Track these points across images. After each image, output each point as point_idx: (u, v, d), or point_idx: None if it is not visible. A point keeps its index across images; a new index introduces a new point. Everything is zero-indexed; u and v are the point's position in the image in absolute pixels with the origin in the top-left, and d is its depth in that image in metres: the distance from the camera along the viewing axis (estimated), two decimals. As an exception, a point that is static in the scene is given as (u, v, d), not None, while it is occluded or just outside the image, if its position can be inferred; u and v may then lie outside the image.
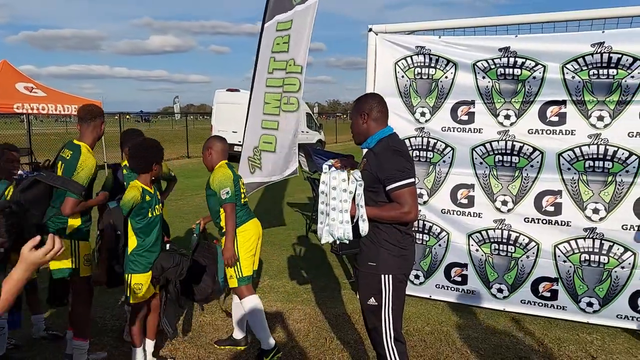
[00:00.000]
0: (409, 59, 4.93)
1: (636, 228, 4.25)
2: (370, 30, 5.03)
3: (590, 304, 4.46)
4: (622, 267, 4.31)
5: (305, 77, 5.16)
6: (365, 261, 2.81)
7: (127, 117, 55.13)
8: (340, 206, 2.64)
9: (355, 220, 2.68)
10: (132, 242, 3.41)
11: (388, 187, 2.69)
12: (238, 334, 4.09)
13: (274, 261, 6.48)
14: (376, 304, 2.79)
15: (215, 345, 4.10)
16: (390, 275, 2.76)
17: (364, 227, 2.69)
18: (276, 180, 5.44)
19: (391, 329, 2.80)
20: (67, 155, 3.54)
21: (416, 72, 4.92)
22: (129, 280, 3.42)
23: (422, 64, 4.88)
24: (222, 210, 3.77)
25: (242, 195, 3.94)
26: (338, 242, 2.70)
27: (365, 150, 3.02)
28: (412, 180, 2.71)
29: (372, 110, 2.90)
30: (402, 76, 4.98)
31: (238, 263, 3.78)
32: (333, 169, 2.72)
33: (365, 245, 2.79)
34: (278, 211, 9.76)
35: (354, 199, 2.67)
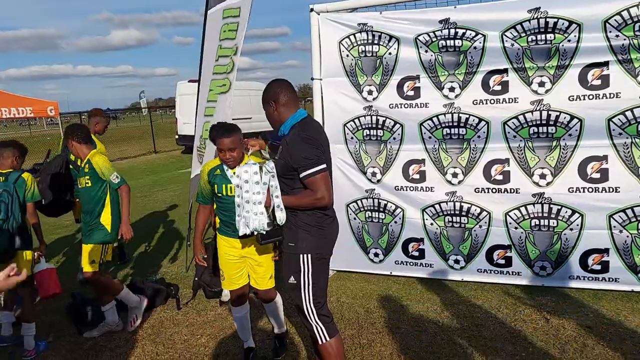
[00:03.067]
0: (352, 37, 4.89)
1: (582, 190, 4.33)
2: (312, 10, 4.97)
3: (543, 268, 4.55)
4: (571, 229, 4.39)
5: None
6: (285, 242, 2.91)
7: (94, 116, 53.89)
8: (254, 198, 2.72)
9: (271, 211, 2.76)
10: None
11: (301, 175, 2.75)
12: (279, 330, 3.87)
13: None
14: (295, 282, 2.89)
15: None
16: (309, 255, 2.85)
17: (281, 217, 2.77)
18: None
19: (312, 305, 2.89)
20: None
21: (360, 50, 4.88)
22: None
23: (366, 42, 4.85)
24: None
25: None
26: (255, 233, 2.77)
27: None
28: (322, 166, 2.75)
29: (278, 96, 2.89)
30: (347, 55, 4.94)
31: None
32: (246, 163, 2.78)
33: (286, 228, 2.86)
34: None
35: (269, 190, 2.74)
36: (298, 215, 2.83)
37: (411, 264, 5.00)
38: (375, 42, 4.81)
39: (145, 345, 4.03)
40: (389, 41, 4.75)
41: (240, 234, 2.81)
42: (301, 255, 2.85)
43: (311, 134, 2.84)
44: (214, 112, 5.24)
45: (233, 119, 6.47)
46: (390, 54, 4.78)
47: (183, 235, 7.21)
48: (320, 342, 2.91)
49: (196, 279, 5.01)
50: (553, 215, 4.43)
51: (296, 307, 3.03)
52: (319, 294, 2.92)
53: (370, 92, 4.92)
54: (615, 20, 4.05)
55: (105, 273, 4.30)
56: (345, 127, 5.02)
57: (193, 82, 18.26)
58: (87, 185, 4.16)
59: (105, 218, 4.17)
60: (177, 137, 18.31)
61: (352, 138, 5.03)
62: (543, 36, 4.27)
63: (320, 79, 5.05)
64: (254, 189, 2.71)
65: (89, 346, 4.07)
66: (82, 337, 4.21)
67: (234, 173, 2.96)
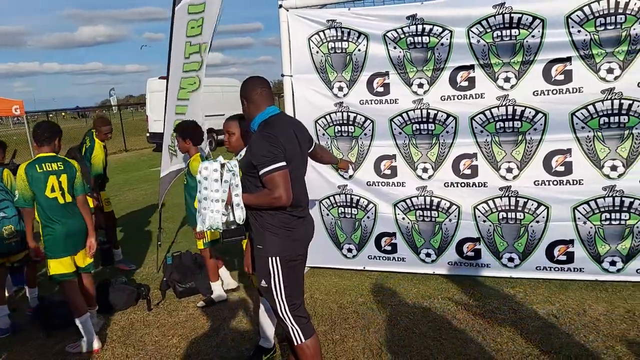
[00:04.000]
0: (321, 34, 4.88)
1: (547, 183, 4.43)
2: (281, 6, 4.95)
3: (511, 259, 4.65)
4: (537, 222, 4.49)
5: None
6: (255, 244, 2.89)
7: (63, 114, 52.70)
8: (212, 196, 2.71)
9: (231, 209, 2.75)
10: None
11: (259, 173, 2.72)
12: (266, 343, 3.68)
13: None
14: (266, 285, 2.86)
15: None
16: (278, 257, 2.80)
17: (240, 215, 2.75)
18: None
19: (286, 307, 2.86)
20: None
21: (330, 47, 4.88)
22: None
23: (335, 38, 4.85)
24: None
25: None
26: (213, 229, 2.78)
27: None
28: (279, 164, 2.67)
29: (249, 94, 2.88)
30: (317, 51, 4.93)
31: None
32: (208, 160, 2.80)
33: (254, 228, 2.85)
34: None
35: (230, 188, 2.74)
36: (263, 217, 2.80)
37: (384, 258, 5.04)
38: (345, 38, 4.82)
39: (115, 348, 3.97)
40: (358, 38, 4.77)
41: (198, 229, 2.88)
42: (270, 258, 2.82)
43: (273, 131, 2.78)
44: (186, 110, 5.19)
45: (206, 116, 6.48)
46: (359, 50, 4.79)
47: (154, 235, 7.13)
48: (296, 343, 2.89)
49: (165, 279, 4.97)
50: (520, 208, 4.53)
51: (272, 309, 3.01)
52: (294, 296, 2.88)
53: (340, 89, 4.93)
54: (577, 15, 4.14)
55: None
56: (317, 124, 5.02)
57: (164, 79, 18.02)
58: None
59: None
60: (148, 134, 18.05)
61: (323, 134, 5.04)
62: (508, 32, 4.34)
63: (291, 76, 5.04)
64: (212, 187, 2.71)
65: (57, 350, 4.00)
66: (50, 340, 4.12)
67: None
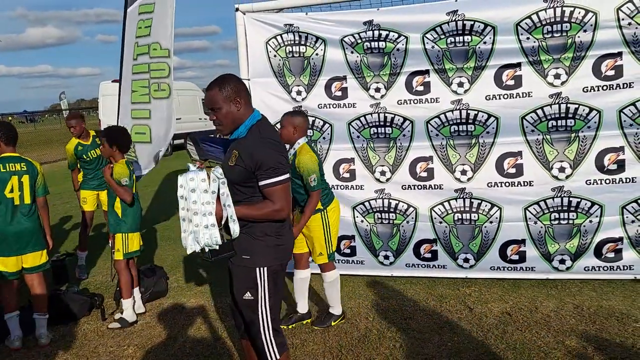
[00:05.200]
0: (279, 38, 4.88)
1: (499, 184, 4.57)
2: (237, 10, 4.91)
3: (466, 260, 4.76)
4: (491, 222, 4.63)
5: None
6: (239, 254, 2.62)
7: (10, 118, 50.54)
8: (203, 209, 2.42)
9: (224, 222, 2.48)
10: None
11: (261, 183, 2.52)
12: (337, 310, 4.17)
13: (167, 257, 6.26)
14: (252, 298, 2.64)
15: (315, 327, 4.09)
16: (266, 268, 2.62)
17: (235, 229, 2.50)
18: (147, 172, 5.28)
19: (269, 321, 2.68)
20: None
21: (287, 51, 4.89)
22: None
23: (293, 42, 4.86)
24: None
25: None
26: (207, 248, 2.48)
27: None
28: (286, 176, 2.55)
29: (242, 93, 2.61)
30: (275, 55, 4.93)
31: (330, 240, 4.00)
32: (191, 170, 2.48)
33: (240, 239, 2.59)
34: (173, 202, 9.45)
35: (219, 199, 2.46)
36: (253, 226, 2.58)
37: (343, 261, 5.06)
38: (302, 42, 4.83)
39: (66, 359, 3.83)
40: (316, 42, 4.79)
41: (189, 251, 2.49)
42: (257, 269, 2.61)
43: (276, 138, 2.62)
44: (149, 114, 5.06)
45: None
46: (317, 54, 4.82)
47: (107, 243, 6.91)
48: (270, 359, 2.71)
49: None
50: (474, 209, 4.65)
51: (246, 324, 2.78)
52: (275, 308, 2.71)
53: (299, 93, 4.94)
54: (526, 23, 4.30)
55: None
56: (276, 127, 5.00)
57: (116, 82, 17.59)
58: None
59: None
60: (101, 139, 17.54)
61: (281, 138, 5.02)
62: (461, 38, 4.46)
63: (248, 79, 5.01)
64: (203, 199, 2.42)
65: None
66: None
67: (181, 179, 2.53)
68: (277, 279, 2.70)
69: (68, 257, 5.72)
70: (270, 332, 2.69)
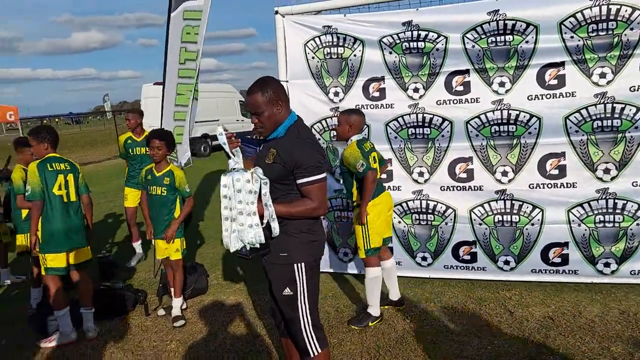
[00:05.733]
0: (317, 40, 4.92)
1: (542, 186, 4.48)
2: (277, 12, 4.98)
3: (507, 262, 4.68)
4: (532, 224, 4.54)
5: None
6: (275, 251, 2.66)
7: (57, 120, 52.49)
8: (248, 209, 2.48)
9: (265, 221, 2.54)
10: None
11: (299, 181, 2.59)
12: (395, 296, 4.36)
13: (207, 254, 6.40)
14: (291, 294, 2.70)
15: (352, 326, 4.13)
16: (303, 264, 2.68)
17: (275, 227, 2.56)
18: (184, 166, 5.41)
19: (309, 316, 2.73)
20: None
21: (326, 52, 4.92)
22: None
23: (331, 44, 4.89)
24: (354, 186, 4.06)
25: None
26: (248, 246, 2.54)
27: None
28: (323, 175, 2.62)
29: (284, 95, 2.68)
30: (313, 57, 4.97)
31: (368, 235, 4.02)
32: (235, 170, 2.54)
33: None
34: (212, 201, 9.63)
35: (260, 198, 2.52)
36: (288, 223, 2.64)
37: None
38: (340, 44, 4.86)
39: (113, 353, 3.97)
40: (354, 43, 4.81)
41: (232, 249, 2.55)
42: (295, 265, 2.67)
43: (314, 138, 2.70)
44: (186, 116, 5.22)
45: (198, 121, 6.53)
46: (355, 55, 4.83)
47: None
48: (311, 355, 2.74)
49: (161, 284, 4.97)
50: (515, 211, 4.57)
51: (285, 321, 2.84)
52: (314, 303, 2.76)
53: (336, 94, 4.97)
54: (570, 22, 4.20)
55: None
56: (313, 129, 5.05)
57: (158, 85, 18.04)
58: None
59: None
60: (142, 140, 18.02)
61: (319, 139, 5.06)
62: (502, 37, 4.39)
63: (287, 81, 5.07)
64: (248, 199, 2.48)
65: (56, 355, 3.99)
66: (48, 346, 4.11)
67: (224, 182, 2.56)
68: (314, 274, 2.76)
69: (111, 254, 5.93)
70: (311, 326, 2.74)
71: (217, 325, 4.33)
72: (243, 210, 2.48)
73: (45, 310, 4.34)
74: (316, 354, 2.75)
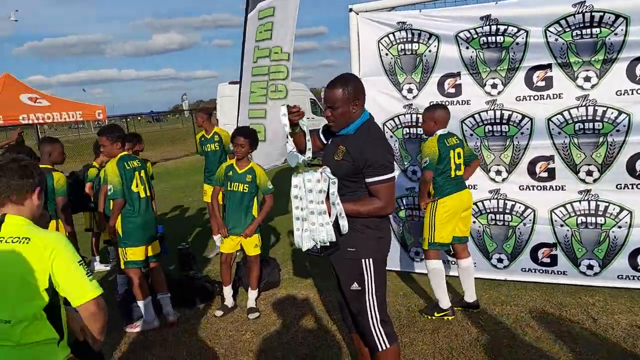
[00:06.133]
0: (391, 36, 4.89)
1: (630, 187, 4.20)
2: (351, 10, 5.00)
3: (590, 267, 4.44)
4: (619, 227, 4.27)
5: (297, 63, 5.26)
6: (343, 247, 2.69)
7: (139, 118, 55.58)
8: (319, 208, 2.53)
9: (334, 219, 2.58)
10: None
11: (368, 180, 2.61)
12: (470, 298, 4.29)
13: (279, 249, 6.54)
14: (359, 288, 2.73)
15: (423, 314, 4.27)
16: (371, 259, 2.70)
17: (344, 225, 2.60)
18: (268, 169, 5.50)
19: (376, 311, 2.75)
20: None
21: (399, 49, 4.88)
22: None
23: (405, 40, 4.84)
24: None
25: (453, 167, 4.10)
26: (319, 245, 2.60)
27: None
28: (393, 175, 2.64)
29: (361, 95, 2.68)
30: (386, 54, 4.95)
31: (433, 229, 4.11)
32: (307, 171, 2.58)
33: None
34: (284, 198, 9.81)
35: (327, 197, 2.56)
36: (355, 220, 2.65)
37: (453, 262, 4.96)
38: (415, 40, 4.80)
39: (192, 340, 4.16)
40: (429, 39, 4.73)
41: (304, 248, 2.61)
42: (363, 260, 2.69)
43: (384, 137, 2.72)
44: (264, 114, 5.34)
45: None
46: (430, 51, 4.76)
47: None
48: (380, 349, 2.77)
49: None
50: (600, 213, 4.32)
51: (353, 315, 2.88)
52: (382, 298, 2.78)
53: (410, 91, 4.92)
54: (665, 11, 3.91)
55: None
56: (385, 126, 5.03)
57: (233, 84, 18.60)
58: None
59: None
60: (218, 138, 18.63)
61: (391, 137, 5.03)
62: (588, 30, 4.16)
63: (360, 78, 5.07)
64: (318, 198, 2.52)
65: (140, 339, 4.24)
66: (133, 331, 4.38)
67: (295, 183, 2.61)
68: (382, 270, 2.79)
69: (190, 246, 6.20)
70: (379, 322, 2.76)
71: (289, 318, 4.42)
72: (314, 210, 2.54)
73: (130, 297, 4.62)
74: (384, 349, 2.76)
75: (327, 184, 2.54)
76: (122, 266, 4.38)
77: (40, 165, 4.68)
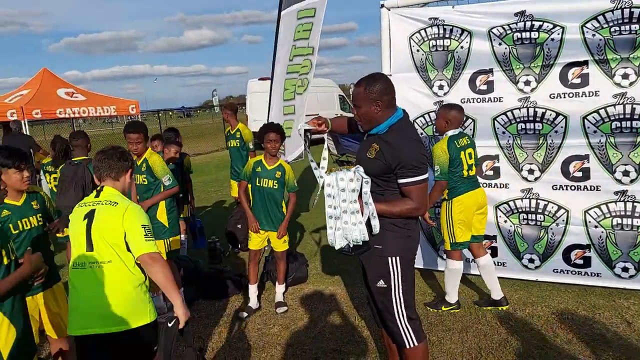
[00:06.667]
0: (422, 32, 4.85)
1: (670, 188, 4.08)
2: (383, 6, 4.97)
3: (625, 269, 4.33)
4: (657, 229, 4.15)
5: (326, 60, 5.33)
6: (371, 244, 2.70)
7: (170, 113, 56.42)
8: (352, 207, 2.54)
9: (366, 219, 2.59)
10: None
11: (401, 181, 2.60)
12: (496, 295, 4.30)
13: (306, 245, 6.58)
14: (385, 286, 2.74)
15: (428, 307, 4.37)
16: (398, 257, 2.71)
17: (376, 225, 2.60)
18: (292, 161, 5.55)
19: (403, 308, 2.76)
20: None
21: (431, 45, 4.84)
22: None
23: (437, 36, 4.79)
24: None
25: (466, 167, 4.12)
26: (352, 243, 2.61)
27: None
28: (426, 176, 2.63)
29: (384, 96, 2.65)
30: (418, 50, 4.91)
31: (452, 229, 4.15)
32: (340, 170, 2.61)
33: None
34: (312, 194, 9.85)
35: (360, 196, 2.57)
36: (384, 218, 2.66)
37: (472, 260, 4.89)
38: (447, 36, 4.75)
39: (221, 332, 4.23)
40: (461, 35, 4.68)
41: (337, 247, 2.62)
42: (390, 258, 2.70)
43: (417, 137, 2.70)
44: (293, 110, 5.40)
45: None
46: (462, 47, 4.70)
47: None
48: (407, 346, 2.78)
49: (265, 271, 5.19)
50: (637, 215, 4.20)
51: (380, 311, 2.89)
52: (409, 296, 2.79)
53: (441, 87, 4.87)
54: None
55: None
56: (415, 123, 4.99)
57: (263, 80, 18.74)
58: (143, 182, 4.46)
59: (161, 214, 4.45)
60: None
61: (421, 133, 5.00)
62: (628, 27, 4.04)
63: (390, 75, 5.05)
64: (351, 197, 2.53)
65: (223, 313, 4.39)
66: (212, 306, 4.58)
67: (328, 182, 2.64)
68: (409, 268, 2.79)
69: (219, 240, 6.29)
70: (405, 319, 2.77)
71: (316, 313, 4.45)
72: (347, 209, 2.55)
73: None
74: (412, 346, 2.77)
75: (359, 184, 2.55)
76: (165, 257, 4.42)
77: (82, 158, 4.88)
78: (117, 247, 2.55)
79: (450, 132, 4.09)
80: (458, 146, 4.05)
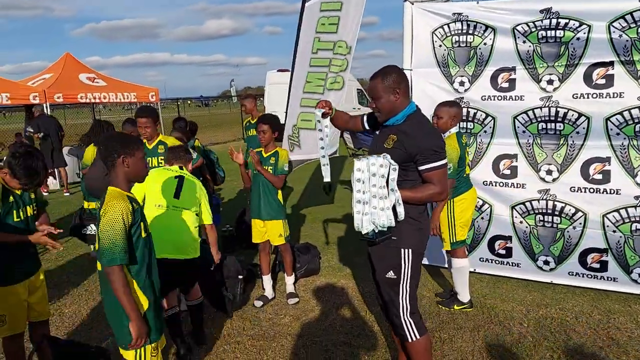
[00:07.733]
0: (445, 27, 4.80)
1: (693, 194, 3.99)
2: (406, 0, 4.93)
3: (643, 275, 4.26)
4: (678, 236, 4.07)
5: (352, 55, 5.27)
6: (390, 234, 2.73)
7: (189, 102, 56.87)
8: (381, 192, 2.58)
9: (392, 205, 2.62)
10: None
11: (421, 167, 2.67)
12: (464, 297, 4.32)
13: (319, 237, 6.58)
14: (395, 277, 2.78)
15: (440, 306, 4.36)
16: (410, 249, 2.75)
17: (401, 211, 2.63)
18: (316, 158, 5.50)
19: (408, 301, 2.81)
20: None
21: (454, 40, 4.78)
22: None
23: (460, 32, 4.74)
24: None
25: (467, 166, 4.17)
26: (377, 229, 2.63)
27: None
28: (445, 161, 2.70)
29: (402, 84, 2.75)
30: (440, 45, 4.86)
31: (453, 229, 4.16)
32: (371, 156, 2.62)
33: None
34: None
35: (388, 183, 2.61)
36: (408, 204, 2.70)
37: (497, 262, 4.86)
38: (470, 32, 4.69)
39: (233, 321, 4.25)
40: (485, 31, 4.62)
41: (364, 231, 2.64)
42: (403, 250, 2.74)
43: (432, 126, 2.80)
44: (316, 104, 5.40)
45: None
46: (485, 44, 4.64)
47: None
48: (409, 340, 2.82)
49: (277, 261, 5.21)
50: (658, 220, 4.13)
51: (385, 304, 2.93)
52: (414, 290, 2.83)
53: (461, 83, 4.82)
54: None
55: None
56: (432, 119, 4.94)
57: (282, 72, 18.73)
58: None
59: None
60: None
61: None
62: (657, 26, 3.96)
63: (411, 70, 5.01)
64: (380, 183, 2.57)
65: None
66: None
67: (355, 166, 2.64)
68: (418, 261, 2.83)
69: (232, 229, 6.32)
70: (408, 312, 2.82)
71: (328, 305, 4.46)
72: (376, 194, 2.59)
73: None
74: (413, 339, 2.82)
75: (387, 170, 2.59)
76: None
77: None
78: (195, 203, 3.65)
79: (454, 129, 4.05)
80: (463, 143, 4.07)
